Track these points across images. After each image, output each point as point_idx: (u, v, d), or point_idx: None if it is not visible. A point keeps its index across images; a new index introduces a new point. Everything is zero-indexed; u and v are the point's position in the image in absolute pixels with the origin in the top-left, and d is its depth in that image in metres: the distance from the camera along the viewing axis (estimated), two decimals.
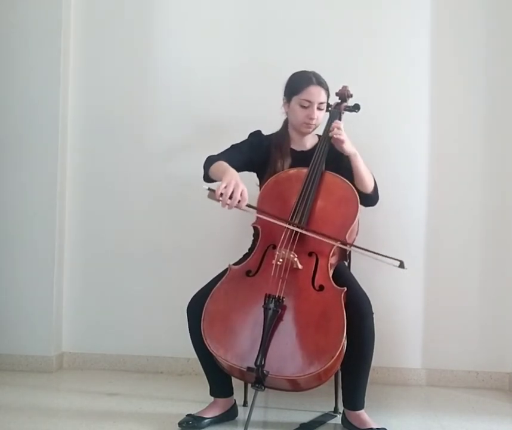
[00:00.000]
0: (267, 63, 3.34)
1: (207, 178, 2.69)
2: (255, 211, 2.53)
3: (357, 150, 2.67)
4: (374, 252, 2.42)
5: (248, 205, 2.45)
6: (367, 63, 3.33)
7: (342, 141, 2.63)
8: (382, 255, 2.40)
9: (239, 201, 2.40)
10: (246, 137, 2.86)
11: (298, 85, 2.74)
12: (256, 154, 2.80)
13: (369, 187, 2.69)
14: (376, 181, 2.74)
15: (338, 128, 2.65)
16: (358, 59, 3.33)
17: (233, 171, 2.52)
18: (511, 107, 3.29)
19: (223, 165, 2.59)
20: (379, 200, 2.78)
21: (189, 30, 3.44)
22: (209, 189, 2.41)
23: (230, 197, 2.39)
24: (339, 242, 2.48)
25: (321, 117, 2.78)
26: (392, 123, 3.34)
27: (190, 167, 3.24)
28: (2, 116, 3.44)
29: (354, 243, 2.58)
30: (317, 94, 2.72)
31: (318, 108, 2.74)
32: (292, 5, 3.39)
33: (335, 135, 2.65)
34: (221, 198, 2.39)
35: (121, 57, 3.49)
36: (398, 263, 2.38)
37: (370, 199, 2.71)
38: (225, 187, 2.39)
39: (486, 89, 3.30)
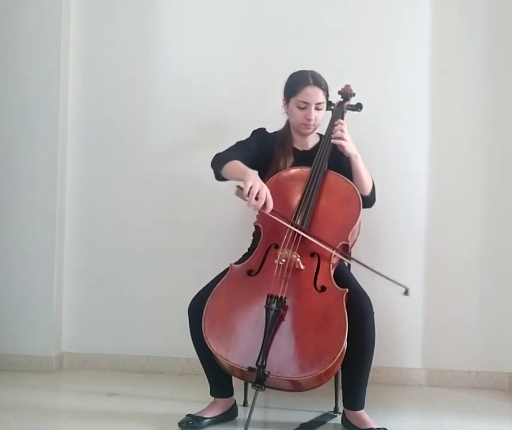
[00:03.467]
0: (267, 62, 3.34)
1: (220, 177, 2.68)
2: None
3: (357, 150, 2.67)
4: (380, 274, 2.44)
5: (274, 211, 2.46)
6: (367, 63, 3.33)
7: (343, 142, 2.63)
8: (389, 279, 2.43)
9: (265, 203, 2.42)
10: (249, 135, 2.84)
11: (295, 86, 2.73)
12: (262, 152, 2.79)
13: (367, 189, 2.70)
14: (375, 183, 2.75)
15: (341, 130, 2.65)
16: (358, 59, 3.33)
17: (252, 171, 2.53)
18: (511, 107, 3.29)
19: (240, 164, 2.58)
20: (378, 202, 2.79)
21: (189, 30, 3.44)
22: (238, 186, 2.42)
23: (256, 198, 2.40)
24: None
25: (320, 117, 2.77)
26: (392, 123, 3.33)
27: (191, 167, 3.25)
28: (2, 117, 3.43)
29: (355, 245, 2.60)
30: (314, 95, 2.70)
31: (316, 109, 2.72)
32: (292, 5, 3.39)
33: (337, 136, 2.64)
34: (247, 197, 2.39)
35: (121, 56, 3.48)
36: (404, 290, 2.41)
37: (367, 201, 2.70)
38: (251, 188, 2.40)
39: (487, 90, 3.30)
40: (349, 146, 2.65)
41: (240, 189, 2.42)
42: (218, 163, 2.66)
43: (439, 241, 3.32)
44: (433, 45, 3.33)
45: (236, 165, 2.58)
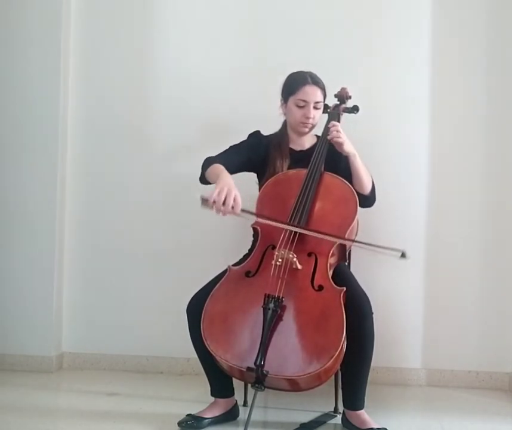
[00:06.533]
0: (267, 62, 3.34)
1: (204, 180, 2.70)
2: (251, 215, 2.53)
3: (356, 150, 2.68)
4: (375, 245, 2.41)
5: (243, 210, 2.46)
6: (367, 63, 3.33)
7: (340, 143, 2.65)
8: (383, 248, 2.39)
9: (233, 207, 2.41)
10: (246, 138, 2.87)
11: (293, 85, 2.77)
12: (255, 154, 2.81)
13: (367, 188, 2.70)
14: (375, 183, 2.75)
15: (337, 130, 2.66)
16: (358, 59, 3.33)
17: (226, 176, 2.52)
18: (511, 107, 3.28)
19: (219, 168, 2.60)
20: (378, 201, 2.79)
21: (189, 30, 3.44)
22: (201, 198, 2.40)
23: (224, 204, 2.39)
24: (339, 240, 2.49)
25: (318, 116, 2.79)
26: (392, 123, 3.33)
27: (190, 167, 3.21)
28: (2, 116, 3.44)
29: (353, 244, 2.59)
30: (312, 93, 2.74)
31: (315, 108, 2.75)
32: (292, 6, 3.39)
33: (334, 138, 2.66)
34: (214, 206, 2.40)
35: (121, 57, 3.49)
36: (399, 254, 2.36)
37: (367, 200, 2.72)
38: (218, 194, 2.40)
39: (486, 89, 3.30)
40: (347, 144, 2.66)
41: (204, 200, 2.40)
42: (204, 166, 2.69)
43: (439, 241, 3.32)
44: (433, 44, 3.32)
45: (215, 169, 2.60)
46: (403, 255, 2.36)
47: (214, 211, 2.42)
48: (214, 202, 2.40)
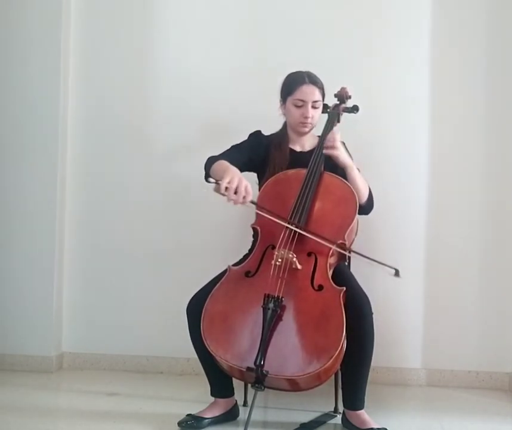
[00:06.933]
0: (267, 62, 3.34)
1: (208, 178, 2.69)
2: (259, 208, 2.53)
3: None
4: (371, 259, 2.42)
5: (252, 202, 2.46)
6: (367, 63, 3.33)
7: (335, 152, 2.64)
8: (379, 262, 2.41)
9: (244, 197, 2.40)
10: (246, 137, 2.87)
11: (291, 85, 2.77)
12: (256, 153, 2.81)
13: (363, 198, 2.69)
14: (371, 191, 2.74)
15: (334, 139, 2.66)
16: (358, 59, 3.33)
17: (234, 168, 2.52)
18: (510, 107, 3.29)
19: (224, 163, 2.59)
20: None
21: (189, 30, 3.44)
22: (215, 181, 2.41)
23: (235, 193, 2.39)
24: (335, 245, 2.48)
25: (317, 116, 2.79)
26: (392, 123, 3.33)
27: (190, 167, 3.24)
28: (2, 116, 3.44)
29: (353, 243, 2.60)
30: (310, 93, 2.74)
31: (313, 107, 2.75)
32: (292, 6, 3.39)
33: (329, 146, 2.65)
34: (226, 192, 2.39)
35: (121, 57, 3.49)
36: (393, 271, 2.40)
37: (363, 209, 2.71)
38: (229, 182, 2.39)
39: (486, 90, 3.30)
40: (342, 156, 2.66)
41: (217, 184, 2.41)
42: (207, 165, 2.69)
43: (439, 241, 3.32)
44: (433, 44, 3.32)
45: (221, 165, 2.59)
46: (397, 273, 2.40)
47: (225, 199, 2.40)
48: (226, 188, 2.38)
